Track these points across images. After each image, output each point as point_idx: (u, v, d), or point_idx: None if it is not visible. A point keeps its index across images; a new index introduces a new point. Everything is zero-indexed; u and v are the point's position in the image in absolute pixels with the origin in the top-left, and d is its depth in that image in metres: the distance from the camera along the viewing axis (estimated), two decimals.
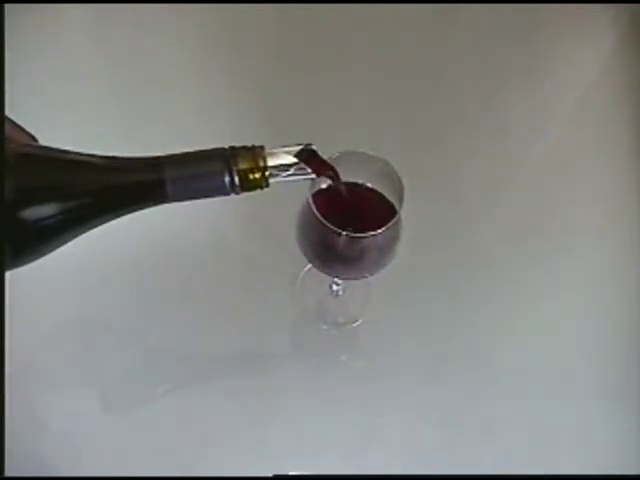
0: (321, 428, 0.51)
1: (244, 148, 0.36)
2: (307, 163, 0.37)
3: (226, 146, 0.36)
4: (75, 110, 0.65)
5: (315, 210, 0.41)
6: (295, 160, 0.37)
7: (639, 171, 0.66)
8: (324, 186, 0.44)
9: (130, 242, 0.57)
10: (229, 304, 0.56)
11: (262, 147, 0.36)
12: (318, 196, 0.43)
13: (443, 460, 0.51)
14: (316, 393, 0.53)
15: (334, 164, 0.43)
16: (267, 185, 0.36)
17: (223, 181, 0.35)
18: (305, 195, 0.42)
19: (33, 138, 0.37)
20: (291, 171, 0.37)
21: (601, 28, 0.77)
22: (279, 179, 0.37)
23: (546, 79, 0.72)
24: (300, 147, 0.37)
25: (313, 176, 0.38)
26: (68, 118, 0.64)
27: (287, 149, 0.37)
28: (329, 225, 0.41)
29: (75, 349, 0.54)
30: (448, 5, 0.75)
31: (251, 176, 0.35)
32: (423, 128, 0.68)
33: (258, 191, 0.37)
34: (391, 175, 0.43)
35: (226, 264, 0.58)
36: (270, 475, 0.46)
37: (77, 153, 0.35)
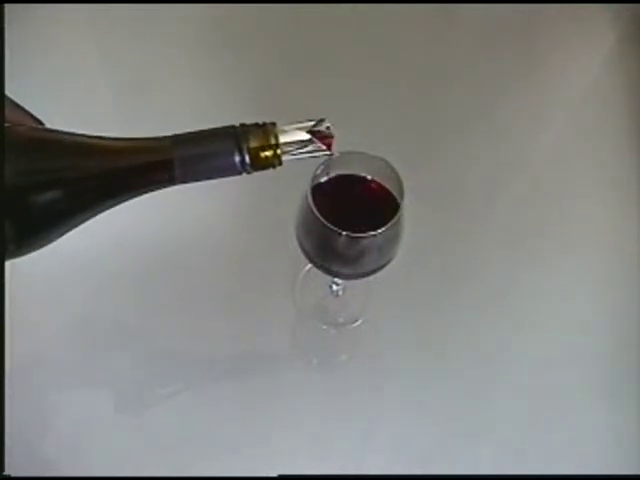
0: (321, 428, 0.51)
1: (255, 125, 0.34)
2: (321, 139, 0.35)
3: (236, 124, 0.34)
4: (75, 110, 0.65)
5: (315, 210, 0.41)
6: (308, 136, 0.35)
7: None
8: (323, 180, 0.44)
9: (130, 244, 0.57)
10: (229, 304, 0.56)
11: (274, 124, 0.35)
12: (318, 191, 0.42)
13: (443, 460, 0.51)
14: (316, 393, 0.53)
15: (334, 164, 0.43)
16: (280, 163, 0.35)
17: (233, 160, 0.34)
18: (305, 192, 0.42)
19: (39, 122, 0.37)
20: (304, 148, 0.35)
21: (601, 28, 0.77)
22: (292, 157, 0.35)
23: (546, 79, 0.72)
24: (313, 122, 0.35)
25: (327, 152, 0.36)
26: (67, 118, 0.64)
27: (300, 125, 0.35)
28: (329, 225, 0.41)
29: (77, 349, 0.54)
30: (448, 5, 0.75)
31: (262, 154, 0.34)
32: (423, 128, 0.67)
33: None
34: (391, 175, 0.43)
35: (225, 264, 0.58)
36: (272, 475, 0.46)
37: (82, 135, 0.34)
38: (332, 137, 0.36)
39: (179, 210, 0.60)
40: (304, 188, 0.42)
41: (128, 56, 0.70)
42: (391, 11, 0.74)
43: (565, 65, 0.74)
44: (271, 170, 0.36)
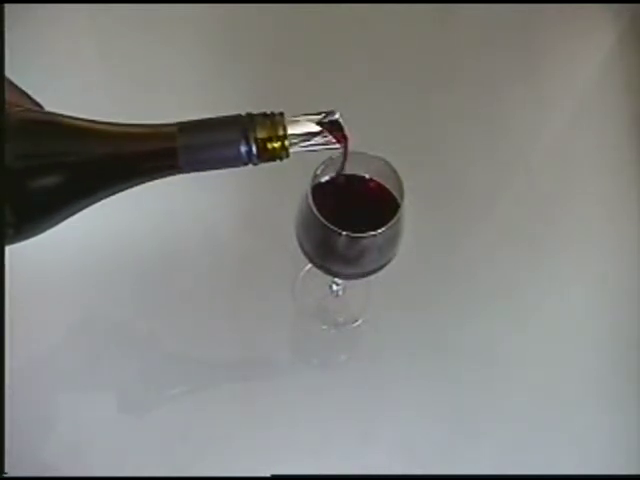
0: (321, 428, 0.51)
1: (263, 115, 0.33)
2: (330, 132, 0.34)
3: (243, 113, 0.33)
4: (74, 110, 0.65)
5: (315, 210, 0.41)
6: (318, 128, 0.34)
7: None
8: (323, 180, 0.44)
9: (130, 245, 0.58)
10: (229, 304, 0.56)
11: (282, 114, 0.33)
12: (318, 191, 0.42)
13: (443, 460, 0.51)
14: (316, 393, 0.53)
15: (334, 164, 0.43)
16: (287, 155, 0.34)
17: (239, 150, 0.32)
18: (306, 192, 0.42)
19: (38, 105, 0.36)
20: (313, 141, 0.34)
21: (601, 28, 0.77)
22: (300, 149, 0.34)
23: (546, 79, 0.72)
24: (323, 114, 0.34)
25: (337, 146, 0.35)
26: None
27: (309, 117, 0.34)
28: (329, 225, 0.41)
29: (77, 350, 0.54)
30: (448, 5, 0.75)
31: (270, 145, 0.33)
32: (423, 128, 0.67)
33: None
34: (391, 175, 0.43)
35: (226, 264, 0.58)
36: (268, 475, 0.46)
37: (84, 119, 0.33)
38: (342, 130, 0.34)
39: (179, 211, 0.60)
40: (304, 188, 0.42)
41: (128, 56, 0.70)
42: (391, 11, 0.74)
43: (565, 65, 0.74)
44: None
